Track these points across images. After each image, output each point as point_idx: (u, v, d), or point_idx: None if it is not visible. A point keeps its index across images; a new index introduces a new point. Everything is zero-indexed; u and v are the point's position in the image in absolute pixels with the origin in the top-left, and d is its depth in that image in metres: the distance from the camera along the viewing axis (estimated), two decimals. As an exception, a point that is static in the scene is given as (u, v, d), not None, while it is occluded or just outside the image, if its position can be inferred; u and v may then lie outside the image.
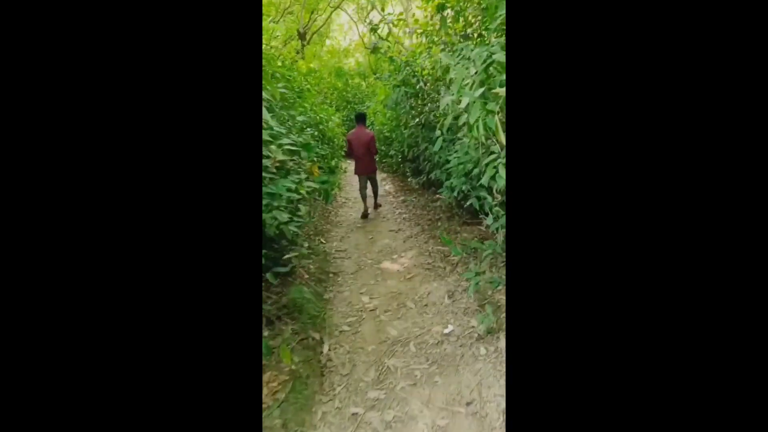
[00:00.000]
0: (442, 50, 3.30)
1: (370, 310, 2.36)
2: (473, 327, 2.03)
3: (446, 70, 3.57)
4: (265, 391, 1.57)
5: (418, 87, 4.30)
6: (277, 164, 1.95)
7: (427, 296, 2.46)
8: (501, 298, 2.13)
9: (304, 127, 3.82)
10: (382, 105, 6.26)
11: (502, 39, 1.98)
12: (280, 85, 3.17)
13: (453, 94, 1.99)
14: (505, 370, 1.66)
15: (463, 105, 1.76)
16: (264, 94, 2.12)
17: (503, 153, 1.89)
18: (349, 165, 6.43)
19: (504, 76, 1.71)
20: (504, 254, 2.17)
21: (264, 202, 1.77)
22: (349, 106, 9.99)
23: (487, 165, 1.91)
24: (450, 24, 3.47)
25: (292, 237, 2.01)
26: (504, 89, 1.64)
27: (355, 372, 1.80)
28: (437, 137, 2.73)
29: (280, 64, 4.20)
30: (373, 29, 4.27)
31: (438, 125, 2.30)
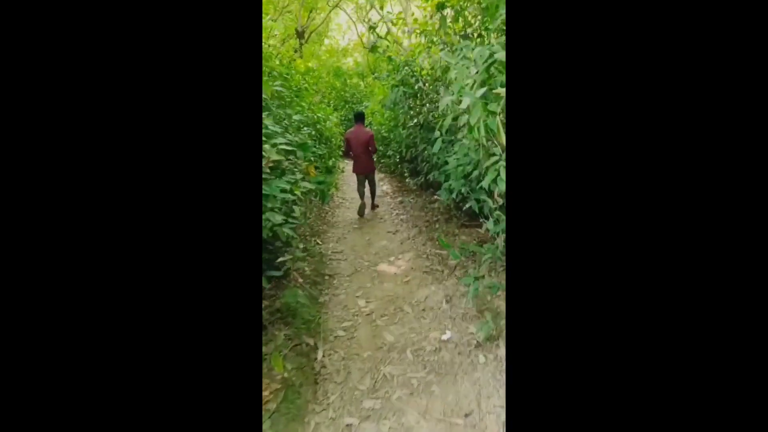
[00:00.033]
0: (442, 50, 3.25)
1: (366, 315, 2.30)
2: (472, 333, 1.98)
3: (446, 69, 3.53)
4: (255, 400, 1.51)
5: (416, 87, 4.26)
6: (271, 164, 1.89)
7: (424, 300, 2.41)
8: (500, 304, 2.07)
9: (301, 126, 3.76)
10: (380, 105, 6.21)
11: (502, 39, 1.94)
12: (276, 83, 3.11)
13: (453, 95, 1.94)
14: (505, 379, 1.61)
15: (463, 105, 1.71)
16: (259, 92, 2.06)
17: (504, 155, 1.84)
18: (347, 165, 6.40)
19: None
20: (504, 258, 2.12)
21: (257, 203, 1.71)
22: (347, 106, 9.95)
23: (488, 167, 1.85)
24: (450, 24, 3.42)
25: (286, 239, 1.95)
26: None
27: (350, 380, 1.74)
28: (436, 138, 2.68)
29: (277, 62, 4.14)
30: (372, 28, 4.21)
31: (437, 126, 2.25)
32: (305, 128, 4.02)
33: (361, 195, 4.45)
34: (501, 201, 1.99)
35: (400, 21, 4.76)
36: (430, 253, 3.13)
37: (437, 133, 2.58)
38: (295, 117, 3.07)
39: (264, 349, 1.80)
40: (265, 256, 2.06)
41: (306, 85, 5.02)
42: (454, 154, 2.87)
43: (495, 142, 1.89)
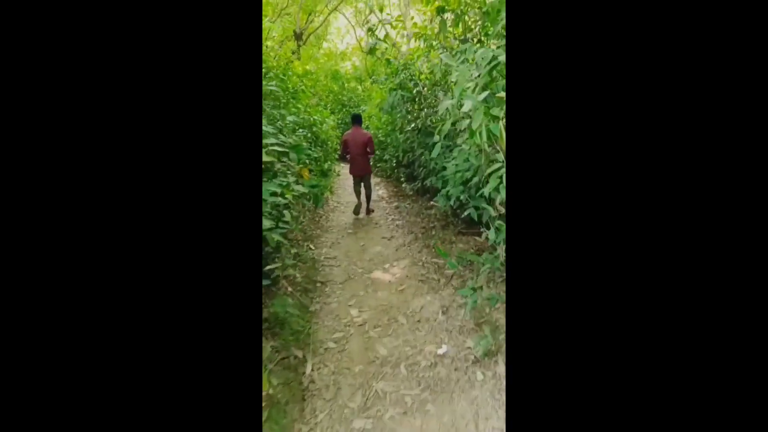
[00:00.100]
0: (441, 53, 3.19)
1: (359, 325, 2.20)
2: (469, 348, 1.89)
3: (445, 73, 3.46)
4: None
5: (415, 91, 4.20)
6: (262, 166, 1.79)
7: (419, 311, 2.31)
8: (500, 317, 1.99)
9: (296, 128, 3.68)
10: (377, 108, 6.16)
11: (503, 43, 1.87)
12: (272, 83, 3.02)
13: (453, 98, 1.86)
14: (504, 399, 1.52)
15: (465, 109, 1.63)
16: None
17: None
18: (343, 168, 6.32)
19: (510, 79, 1.59)
20: (503, 269, 2.04)
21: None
22: (344, 109, 9.91)
23: (490, 174, 1.77)
24: (450, 29, 3.36)
25: (276, 245, 1.84)
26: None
27: (340, 396, 1.64)
28: (435, 143, 2.60)
29: (274, 63, 4.05)
30: (371, 30, 4.15)
31: (436, 130, 2.17)
32: (300, 130, 3.94)
33: (357, 194, 4.49)
34: (503, 209, 1.91)
35: (399, 25, 4.71)
36: (426, 260, 3.04)
37: (436, 138, 2.51)
38: (289, 118, 2.97)
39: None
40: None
41: (303, 87, 4.95)
42: (453, 159, 2.79)
43: (497, 147, 1.82)
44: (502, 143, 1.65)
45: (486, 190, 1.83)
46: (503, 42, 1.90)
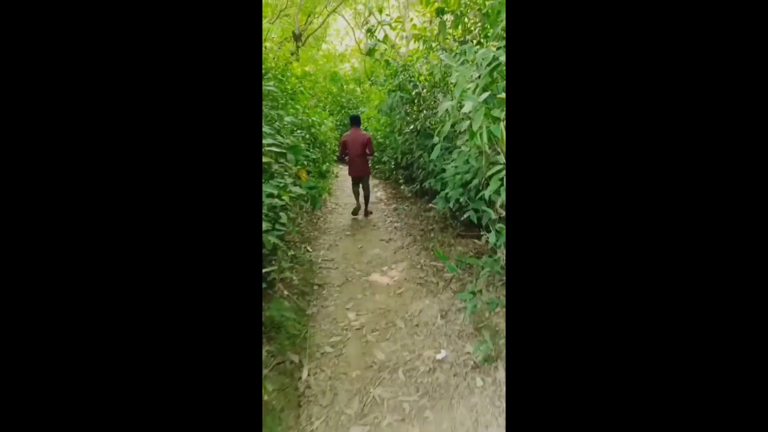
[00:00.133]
0: (441, 55, 3.17)
1: (356, 329, 2.17)
2: (468, 353, 1.85)
3: (444, 74, 3.44)
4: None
5: (414, 92, 4.18)
6: (259, 167, 1.76)
7: (418, 315, 2.28)
8: (500, 321, 1.95)
9: (294, 129, 3.64)
10: (376, 110, 6.13)
11: (502, 45, 1.85)
12: (270, 84, 2.99)
13: (453, 99, 1.83)
14: (504, 406, 1.49)
15: (465, 110, 1.60)
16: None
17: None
18: (341, 169, 6.28)
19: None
20: (503, 272, 2.01)
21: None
22: (343, 111, 9.88)
23: (491, 176, 1.74)
24: (449, 30, 3.34)
25: (273, 248, 1.81)
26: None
27: (337, 403, 1.60)
28: (435, 144, 2.57)
29: (272, 64, 4.03)
30: (370, 31, 4.13)
31: (435, 132, 2.14)
32: (298, 131, 3.91)
33: (356, 194, 4.52)
34: (503, 212, 1.88)
35: (399, 26, 4.69)
36: (424, 263, 3.01)
37: (436, 139, 2.48)
38: (287, 119, 2.94)
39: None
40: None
41: (302, 88, 4.92)
42: (452, 161, 2.77)
43: (498, 149, 1.79)
44: (503, 145, 1.62)
45: (487, 193, 1.80)
46: (503, 43, 1.88)
